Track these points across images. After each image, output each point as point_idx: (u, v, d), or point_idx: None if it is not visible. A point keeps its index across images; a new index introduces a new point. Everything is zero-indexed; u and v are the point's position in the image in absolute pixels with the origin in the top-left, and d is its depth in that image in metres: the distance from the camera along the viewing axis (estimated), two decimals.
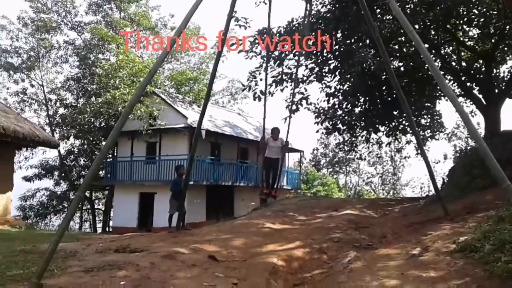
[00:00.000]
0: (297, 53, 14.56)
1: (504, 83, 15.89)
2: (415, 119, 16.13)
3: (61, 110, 26.04)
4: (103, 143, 24.96)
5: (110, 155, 24.26)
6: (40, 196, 26.79)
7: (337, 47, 14.78)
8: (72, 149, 26.33)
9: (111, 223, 25.28)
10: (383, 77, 14.18)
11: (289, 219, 10.61)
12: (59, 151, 25.40)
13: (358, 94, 15.26)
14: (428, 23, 14.14)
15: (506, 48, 15.94)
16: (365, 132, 18.11)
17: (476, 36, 16.22)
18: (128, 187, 22.60)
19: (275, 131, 10.14)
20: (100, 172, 24.68)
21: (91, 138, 23.96)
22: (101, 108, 20.50)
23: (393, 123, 17.14)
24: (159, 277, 5.41)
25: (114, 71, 21.66)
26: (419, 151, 18.21)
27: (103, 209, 28.43)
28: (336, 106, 16.56)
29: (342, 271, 5.85)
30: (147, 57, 28.02)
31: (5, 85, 26.52)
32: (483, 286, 4.61)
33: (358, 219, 10.01)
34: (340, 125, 17.04)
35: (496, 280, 4.62)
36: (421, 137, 17.78)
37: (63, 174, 26.05)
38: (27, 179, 25.93)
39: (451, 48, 16.85)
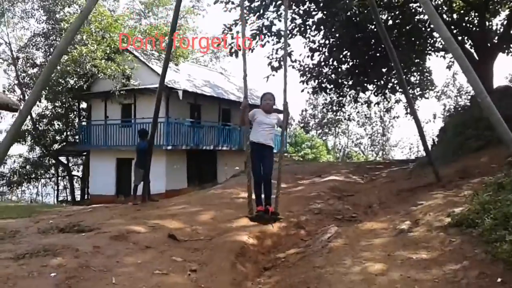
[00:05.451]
0: (278, 3, 13.34)
1: (497, 37, 14.90)
2: (404, 76, 15.24)
3: (31, 70, 24.28)
4: (76, 105, 23.67)
5: (85, 119, 22.99)
6: (12, 163, 25.29)
7: None
8: (44, 113, 24.76)
9: (89, 190, 24.26)
10: (370, 28, 13.09)
11: None
12: (31, 115, 23.90)
13: (344, 48, 14.16)
14: None
15: None
16: (353, 91, 17.18)
17: None
18: (104, 153, 21.36)
19: (268, 97, 5.65)
20: (76, 137, 23.53)
21: (64, 100, 22.54)
22: (68, 67, 18.92)
23: (382, 81, 16.19)
24: (101, 264, 4.56)
25: (82, 25, 19.97)
26: (409, 111, 17.42)
27: (81, 175, 27.21)
28: (322, 63, 15.51)
29: (320, 251, 5.09)
30: (120, 11, 26.14)
31: None
32: (485, 272, 3.82)
33: (342, 186, 9.27)
34: (326, 84, 16.09)
35: (500, 265, 3.83)
36: (411, 95, 16.93)
37: (36, 139, 24.60)
38: None
39: None
